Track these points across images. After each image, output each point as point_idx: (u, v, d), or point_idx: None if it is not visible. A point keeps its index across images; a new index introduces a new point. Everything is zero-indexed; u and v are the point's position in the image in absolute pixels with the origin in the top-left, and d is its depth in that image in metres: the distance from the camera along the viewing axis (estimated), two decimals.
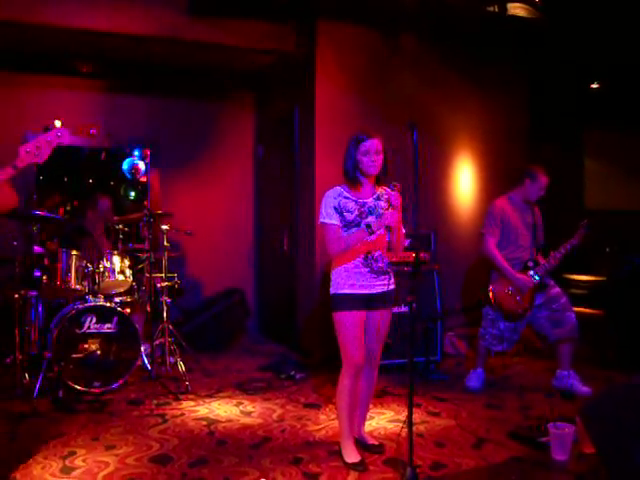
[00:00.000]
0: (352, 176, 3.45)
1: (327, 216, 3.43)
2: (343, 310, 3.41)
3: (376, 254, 3.44)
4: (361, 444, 3.68)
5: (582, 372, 4.89)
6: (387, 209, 3.35)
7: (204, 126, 7.06)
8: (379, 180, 3.51)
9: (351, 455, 3.48)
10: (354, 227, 3.40)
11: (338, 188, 3.50)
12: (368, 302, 3.44)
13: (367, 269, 3.43)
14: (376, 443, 3.72)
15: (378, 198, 3.48)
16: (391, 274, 3.52)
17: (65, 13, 4.95)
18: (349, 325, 3.40)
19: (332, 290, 3.48)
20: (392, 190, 3.34)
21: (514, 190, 4.95)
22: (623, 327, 5.45)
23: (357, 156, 3.41)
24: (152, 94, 6.78)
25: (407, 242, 5.21)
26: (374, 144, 3.38)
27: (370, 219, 3.41)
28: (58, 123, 2.56)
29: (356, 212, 3.41)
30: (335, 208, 3.43)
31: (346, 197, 3.45)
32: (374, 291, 3.44)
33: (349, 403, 3.48)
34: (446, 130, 6.45)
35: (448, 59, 6.35)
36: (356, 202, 3.44)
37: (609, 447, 2.44)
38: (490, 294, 4.83)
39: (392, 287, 3.54)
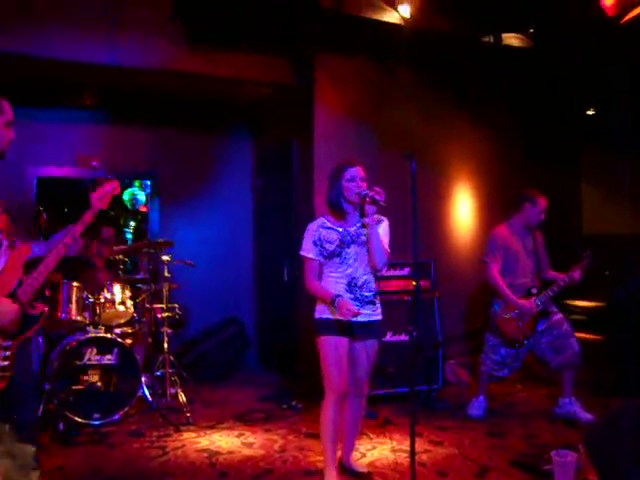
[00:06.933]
0: (336, 205, 3.49)
1: (305, 250, 3.51)
2: (324, 335, 3.42)
3: (360, 281, 3.44)
4: (350, 472, 3.67)
5: (582, 398, 4.87)
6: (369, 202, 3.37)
7: (203, 157, 7.12)
8: (363, 209, 3.48)
9: None
10: (336, 257, 3.43)
11: (321, 219, 3.54)
12: (351, 330, 3.42)
13: (351, 296, 3.42)
14: (365, 471, 3.70)
15: (363, 226, 3.49)
16: (378, 304, 3.53)
17: (65, 46, 5.03)
18: (330, 350, 3.40)
19: (315, 315, 3.50)
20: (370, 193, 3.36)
21: (514, 217, 4.99)
22: (623, 352, 5.43)
23: (343, 183, 3.45)
24: (152, 126, 6.85)
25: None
26: (359, 171, 3.44)
27: (352, 248, 3.44)
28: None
29: (337, 242, 3.44)
30: (314, 242, 3.47)
31: (328, 227, 3.49)
32: (357, 319, 3.39)
33: (333, 432, 3.44)
34: (443, 159, 6.51)
35: (445, 89, 6.42)
36: (338, 232, 3.47)
37: (612, 475, 2.44)
38: (492, 320, 4.84)
39: (378, 317, 3.54)
